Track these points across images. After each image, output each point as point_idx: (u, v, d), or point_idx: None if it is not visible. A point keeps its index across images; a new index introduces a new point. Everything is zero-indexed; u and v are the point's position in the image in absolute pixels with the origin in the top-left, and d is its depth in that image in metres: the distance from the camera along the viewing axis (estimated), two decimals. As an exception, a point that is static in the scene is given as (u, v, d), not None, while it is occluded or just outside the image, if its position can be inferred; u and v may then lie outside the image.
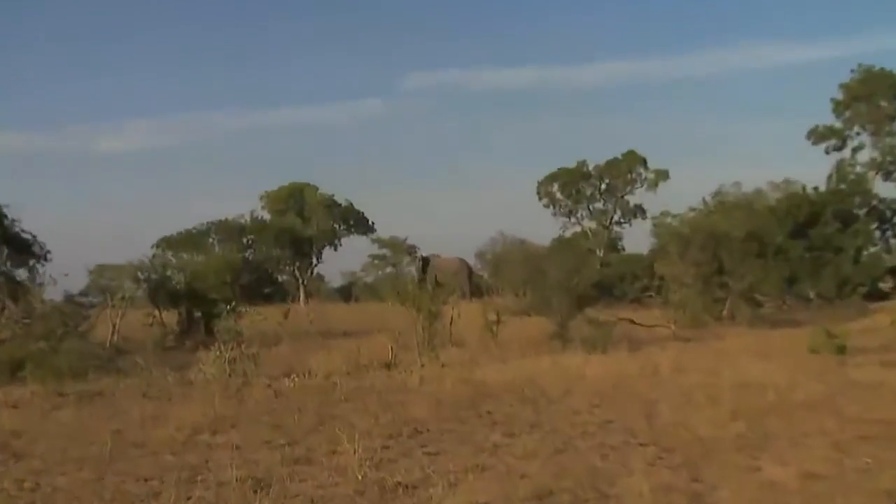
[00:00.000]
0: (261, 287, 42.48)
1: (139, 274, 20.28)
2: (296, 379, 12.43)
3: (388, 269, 64.25)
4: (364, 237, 56.47)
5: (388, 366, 14.24)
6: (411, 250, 63.02)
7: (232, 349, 13.07)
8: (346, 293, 51.70)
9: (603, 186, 51.89)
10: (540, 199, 51.75)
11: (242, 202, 67.03)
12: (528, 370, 13.36)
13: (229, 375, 12.78)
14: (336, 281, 62.31)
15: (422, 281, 44.17)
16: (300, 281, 52.43)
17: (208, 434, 8.77)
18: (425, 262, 45.37)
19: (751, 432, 8.34)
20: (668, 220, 29.69)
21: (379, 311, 32.04)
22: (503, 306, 20.17)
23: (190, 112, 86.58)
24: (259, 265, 43.66)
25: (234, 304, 14.30)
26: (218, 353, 13.05)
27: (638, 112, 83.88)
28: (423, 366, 14.07)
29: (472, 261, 52.67)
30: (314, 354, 16.00)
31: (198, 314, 20.27)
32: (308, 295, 49.28)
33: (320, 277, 57.93)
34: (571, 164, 51.76)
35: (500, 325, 18.19)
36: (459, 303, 18.67)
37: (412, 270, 53.19)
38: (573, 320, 17.87)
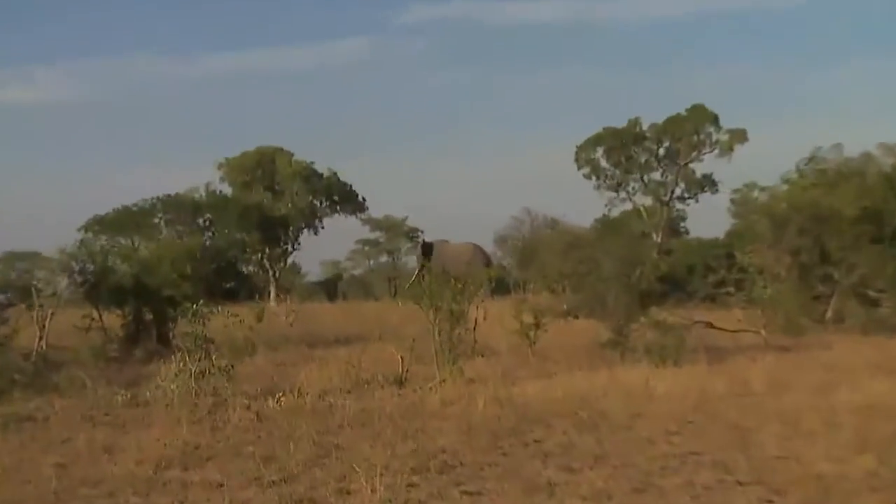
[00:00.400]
0: (222, 281, 42.63)
1: (73, 264, 20.33)
2: (282, 399, 12.48)
3: (383, 259, 64.74)
4: (352, 217, 56.62)
5: (398, 381, 14.29)
6: (412, 234, 63.42)
7: (199, 360, 13.07)
8: (331, 288, 51.97)
9: (661, 151, 51.79)
10: (579, 167, 51.72)
11: (196, 172, 67.18)
12: (580, 387, 13.45)
13: (196, 394, 12.79)
14: (315, 273, 62.78)
15: (423, 272, 44.32)
16: (271, 273, 52.65)
17: (179, 469, 8.79)
18: (427, 248, 45.57)
19: (885, 469, 8.30)
20: (755, 194, 29.44)
21: (375, 311, 32.28)
22: (540, 306, 20.13)
23: (123, 56, 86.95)
24: (219, 253, 43.82)
25: (200, 302, 14.30)
26: (181, 365, 13.04)
27: (702, 55, 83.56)
28: (443, 381, 14.09)
29: (489, 247, 52.93)
30: (300, 367, 16.10)
31: (148, 316, 20.37)
32: (281, 291, 49.58)
33: (296, 268, 58.27)
34: (620, 123, 51.65)
35: (539, 329, 18.33)
36: (485, 301, 18.64)
37: (413, 259, 53.51)
38: (634, 324, 17.84)
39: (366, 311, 32.69)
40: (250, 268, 54.88)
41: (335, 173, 54.12)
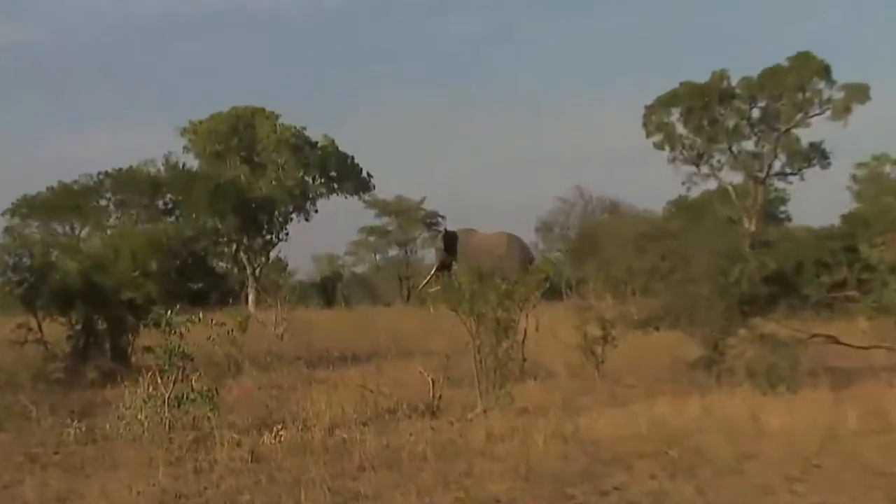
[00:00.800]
0: (186, 280, 42.92)
1: (6, 258, 20.45)
2: (281, 433, 12.52)
3: (393, 253, 64.94)
4: (354, 198, 56.79)
5: (430, 411, 14.35)
6: (430, 220, 63.66)
7: (175, 383, 13.10)
8: (328, 291, 52.15)
9: (755, 113, 51.56)
10: (648, 134, 51.70)
11: (153, 140, 67.66)
12: (666, 419, 13.50)
13: (170, 427, 12.83)
14: (306, 270, 63.06)
15: (444, 269, 44.58)
16: (250, 270, 52.85)
17: (158, 524, 8.83)
18: (450, 238, 45.80)
19: None
20: (888, 169, 29.12)
21: (387, 319, 32.34)
22: (606, 313, 20.10)
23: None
24: (184, 245, 44.04)
25: (177, 307, 14.38)
26: (150, 389, 13.07)
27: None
28: (487, 411, 14.14)
29: (529, 238, 52.90)
30: (300, 392, 16.27)
31: (101, 325, 20.47)
32: (263, 293, 49.86)
33: (281, 265, 58.59)
34: (702, 77, 51.42)
35: (607, 345, 18.54)
36: (536, 306, 18.61)
37: (431, 253, 53.53)
38: (733, 337, 17.76)
39: (376, 318, 32.73)
40: (223, 264, 55.22)
41: (332, 142, 54.28)
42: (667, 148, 51.53)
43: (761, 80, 50.60)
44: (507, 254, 44.07)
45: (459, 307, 15.39)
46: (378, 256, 65.88)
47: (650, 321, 19.13)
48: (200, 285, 47.42)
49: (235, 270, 54.80)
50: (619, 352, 18.73)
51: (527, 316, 17.64)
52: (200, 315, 14.66)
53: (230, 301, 46.20)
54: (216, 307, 32.46)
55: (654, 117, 51.28)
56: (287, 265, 60.13)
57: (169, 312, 14.07)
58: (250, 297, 50.73)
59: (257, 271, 53.26)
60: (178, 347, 13.54)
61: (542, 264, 23.71)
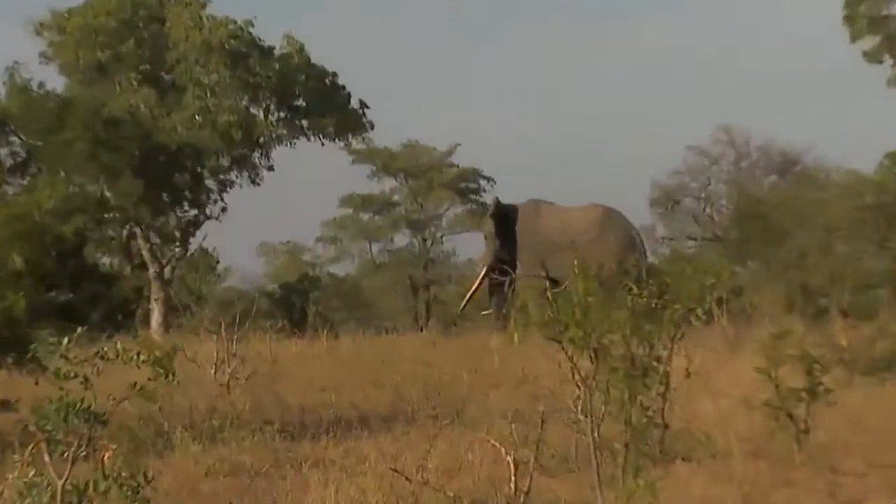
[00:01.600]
0: (48, 286, 43.36)
1: None
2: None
3: (403, 241, 65.10)
4: (336, 146, 56.48)
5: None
6: (469, 184, 63.68)
7: (72, 462, 13.04)
8: (293, 307, 52.23)
9: None
10: (854, 37, 51.67)
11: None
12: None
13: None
14: (248, 271, 63.17)
15: (499, 269, 44.25)
16: (154, 269, 52.79)
17: None
18: (506, 217, 45.97)
19: None
20: None
21: (406, 355, 32.32)
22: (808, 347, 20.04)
23: None
24: (44, 227, 44.33)
25: (78, 331, 14.30)
26: (31, 473, 13.04)
27: None
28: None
29: (639, 218, 52.66)
30: (282, 481, 16.47)
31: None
32: (171, 310, 50.07)
33: (210, 261, 58.60)
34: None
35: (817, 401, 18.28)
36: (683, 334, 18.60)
37: (476, 241, 53.64)
38: None
39: (386, 354, 32.59)
40: (109, 259, 55.41)
41: (301, 48, 53.73)
42: (886, 60, 51.41)
43: None
44: (601, 239, 43.81)
45: (565, 335, 15.24)
46: (375, 247, 65.66)
47: (891, 362, 19.10)
48: (70, 296, 47.78)
49: (129, 269, 54.78)
50: (835, 413, 18.61)
51: (673, 345, 17.59)
52: (119, 347, 14.59)
53: (119, 319, 46.35)
54: (99, 330, 32.66)
55: (863, 7, 51.12)
56: (218, 261, 60.11)
57: (65, 342, 13.99)
58: (154, 315, 50.57)
59: (167, 270, 52.94)
60: (82, 403, 13.48)
61: (723, 267, 22.98)
